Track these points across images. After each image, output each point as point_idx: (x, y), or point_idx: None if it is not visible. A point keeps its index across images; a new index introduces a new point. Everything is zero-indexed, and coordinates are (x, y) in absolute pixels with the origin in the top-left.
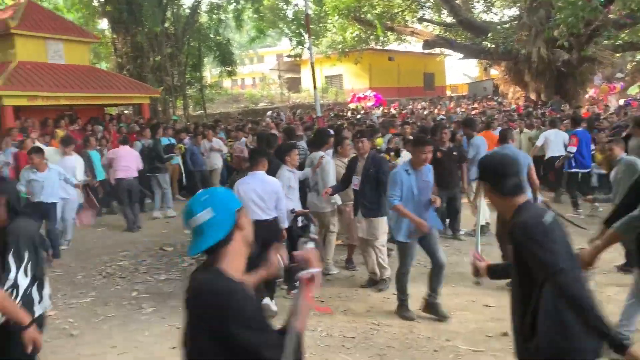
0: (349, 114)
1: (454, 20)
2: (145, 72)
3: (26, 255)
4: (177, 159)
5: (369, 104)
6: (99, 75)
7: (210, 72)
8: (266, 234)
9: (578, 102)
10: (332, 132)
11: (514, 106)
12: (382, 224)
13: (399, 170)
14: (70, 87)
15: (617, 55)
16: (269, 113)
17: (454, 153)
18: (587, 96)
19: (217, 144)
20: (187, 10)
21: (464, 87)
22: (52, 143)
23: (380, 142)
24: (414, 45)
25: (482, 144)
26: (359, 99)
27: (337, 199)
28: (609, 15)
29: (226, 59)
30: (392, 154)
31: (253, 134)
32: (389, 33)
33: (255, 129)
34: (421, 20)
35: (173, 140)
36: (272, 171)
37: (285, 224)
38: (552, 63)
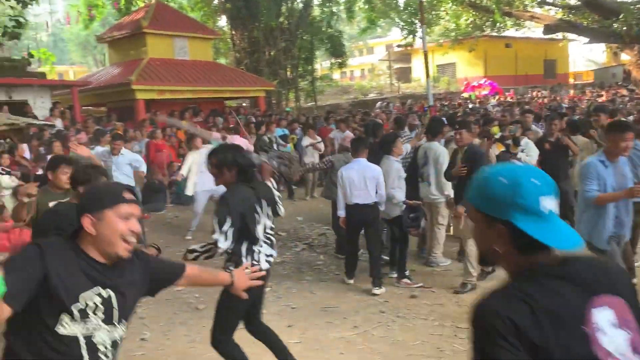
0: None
1: (579, 2)
2: (261, 66)
3: (228, 220)
4: (289, 149)
5: (484, 92)
6: (220, 70)
7: (321, 64)
8: (364, 217)
9: None
10: (445, 121)
11: None
12: None
13: (593, 161)
14: (194, 82)
15: None
16: (378, 104)
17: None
18: None
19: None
20: (301, 5)
21: (589, 74)
22: (178, 134)
23: (495, 130)
24: (533, 30)
25: None
26: (473, 87)
27: (449, 190)
28: None
29: (337, 51)
30: (511, 143)
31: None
32: (506, 18)
33: (365, 119)
34: (542, 3)
35: (287, 131)
36: (376, 160)
37: (382, 208)
38: None
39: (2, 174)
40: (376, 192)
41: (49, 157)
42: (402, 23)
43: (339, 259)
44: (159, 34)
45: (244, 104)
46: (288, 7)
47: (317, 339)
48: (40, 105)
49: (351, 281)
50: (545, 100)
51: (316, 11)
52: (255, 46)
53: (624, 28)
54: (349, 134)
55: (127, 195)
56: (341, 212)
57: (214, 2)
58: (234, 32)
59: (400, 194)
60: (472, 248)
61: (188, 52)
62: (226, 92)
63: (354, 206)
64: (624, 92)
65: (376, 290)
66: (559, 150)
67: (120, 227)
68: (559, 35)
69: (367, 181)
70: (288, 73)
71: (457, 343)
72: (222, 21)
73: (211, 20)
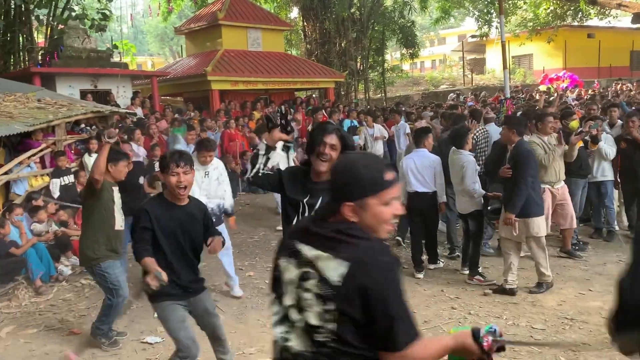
0: (537, 96)
1: None
2: (331, 57)
3: None
4: (357, 139)
5: (563, 85)
6: (291, 61)
7: (392, 55)
8: (423, 204)
9: None
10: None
11: None
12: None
13: None
14: (267, 73)
15: None
16: (450, 95)
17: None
18: None
19: (379, 131)
20: None
21: None
22: (250, 124)
23: (574, 125)
24: (619, 19)
25: None
26: (551, 80)
27: None
28: None
29: (409, 42)
30: (589, 139)
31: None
32: (590, 7)
33: (437, 111)
34: None
35: (356, 123)
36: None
37: (442, 199)
38: None
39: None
40: (435, 182)
41: (132, 143)
42: (477, 13)
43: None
44: (233, 26)
45: (314, 95)
46: None
47: None
48: (122, 94)
49: (421, 275)
50: (632, 93)
51: (388, 1)
52: (326, 37)
53: None
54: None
55: (389, 176)
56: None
57: None
58: (305, 23)
59: (480, 188)
60: (537, 250)
61: (261, 43)
62: (297, 82)
63: (413, 194)
64: None
65: (431, 266)
66: (636, 148)
67: (385, 216)
68: None
69: (426, 170)
70: (358, 64)
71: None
72: (294, 12)
73: (284, 12)
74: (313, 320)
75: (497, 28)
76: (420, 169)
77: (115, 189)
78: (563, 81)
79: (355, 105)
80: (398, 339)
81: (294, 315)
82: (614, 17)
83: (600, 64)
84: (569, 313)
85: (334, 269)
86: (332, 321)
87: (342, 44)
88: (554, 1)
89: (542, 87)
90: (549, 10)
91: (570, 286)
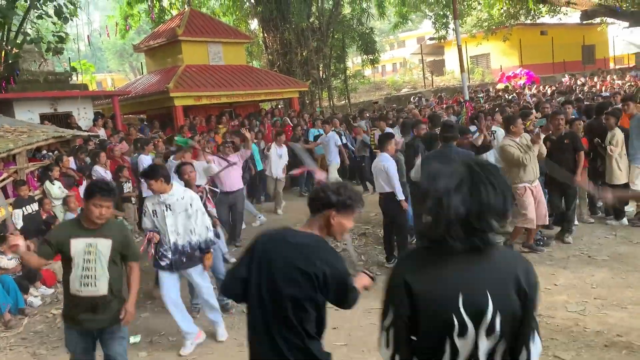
0: (499, 94)
1: None
2: (293, 67)
3: None
4: (322, 150)
5: (520, 82)
6: (254, 73)
7: (353, 61)
8: (386, 204)
9: None
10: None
11: None
12: None
13: None
14: (230, 86)
15: None
16: (412, 98)
17: (566, 141)
18: None
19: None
20: (331, 3)
21: (631, 57)
22: (215, 138)
23: (528, 125)
24: (570, 16)
25: None
26: (509, 77)
27: None
28: None
29: (369, 48)
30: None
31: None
32: (540, 5)
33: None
34: None
35: (321, 131)
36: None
37: (400, 197)
38: None
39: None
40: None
41: (94, 167)
42: (433, 16)
43: (379, 258)
44: (193, 41)
45: (279, 106)
46: (318, 7)
47: (363, 341)
48: (84, 116)
49: (390, 265)
50: (586, 88)
51: (346, 9)
52: (287, 47)
53: None
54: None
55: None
56: None
57: (246, 6)
58: (265, 35)
59: (399, 190)
60: None
61: (222, 57)
62: (261, 94)
63: (380, 194)
64: None
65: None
66: (562, 148)
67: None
68: (597, 19)
69: (381, 173)
70: (320, 72)
71: None
72: (254, 24)
73: (243, 24)
74: None
75: (454, 30)
76: (378, 172)
77: None
78: (520, 78)
79: (320, 113)
80: None
81: None
82: (564, 14)
83: (555, 60)
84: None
85: None
86: None
87: (304, 54)
88: (507, 1)
89: (501, 85)
90: (502, 10)
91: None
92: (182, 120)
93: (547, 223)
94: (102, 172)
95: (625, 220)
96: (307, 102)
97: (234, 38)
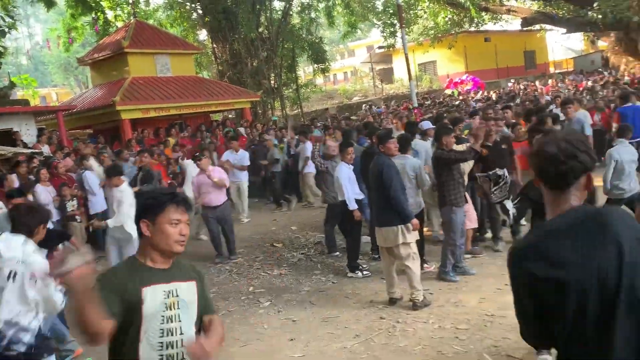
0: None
1: None
2: (244, 78)
3: None
4: (281, 158)
5: (467, 88)
6: (203, 84)
7: (304, 71)
8: (343, 211)
9: None
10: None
11: (627, 79)
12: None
13: None
14: (179, 98)
15: None
16: (364, 106)
17: (503, 146)
18: None
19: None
20: (280, 13)
21: (569, 62)
22: (166, 152)
23: (466, 133)
24: (511, 23)
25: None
26: (456, 84)
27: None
28: None
29: (319, 57)
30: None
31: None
32: (483, 13)
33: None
34: None
35: (275, 141)
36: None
37: (351, 207)
38: None
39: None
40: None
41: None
42: (381, 25)
43: (336, 265)
44: (140, 53)
45: (230, 116)
46: (267, 17)
47: (320, 351)
48: (26, 132)
49: (352, 275)
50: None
51: (295, 19)
52: (237, 58)
53: (599, 16)
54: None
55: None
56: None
57: (193, 17)
58: (214, 46)
59: (348, 194)
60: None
61: (170, 68)
62: (211, 105)
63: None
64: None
65: (349, 274)
66: (499, 153)
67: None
68: (537, 26)
69: (336, 181)
70: (272, 82)
71: (458, 345)
72: (203, 35)
73: (191, 35)
74: None
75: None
76: (335, 180)
77: None
78: (466, 84)
79: (274, 122)
80: None
81: None
82: (506, 22)
83: (498, 65)
84: (490, 310)
85: None
86: None
87: (254, 64)
88: (450, 10)
89: (448, 92)
90: (447, 18)
91: (489, 283)
92: (129, 134)
93: (475, 226)
94: (43, 191)
95: None
96: (260, 112)
97: (182, 49)
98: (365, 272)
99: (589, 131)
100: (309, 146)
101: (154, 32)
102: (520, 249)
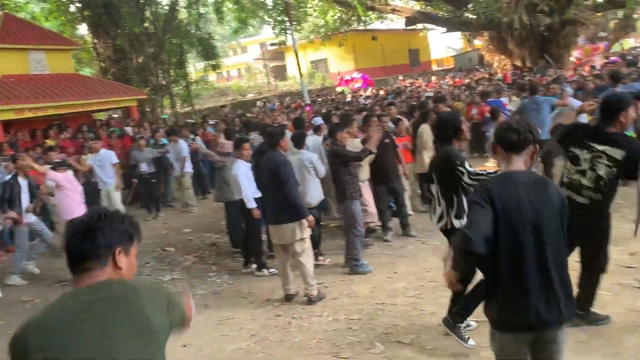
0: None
1: None
2: (129, 75)
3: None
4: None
5: (357, 85)
6: (84, 81)
7: (195, 67)
8: (241, 210)
9: (563, 66)
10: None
11: (500, 75)
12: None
13: None
14: (57, 97)
15: (598, 14)
16: (258, 103)
17: (386, 141)
18: (572, 59)
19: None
20: (166, 8)
21: (449, 60)
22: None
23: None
24: (397, 22)
25: None
26: (346, 81)
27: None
28: None
29: (209, 53)
30: None
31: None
32: (370, 12)
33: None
34: None
35: (165, 140)
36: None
37: (249, 205)
38: (535, 29)
39: None
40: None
41: None
42: (272, 21)
43: (231, 266)
44: (10, 49)
45: (115, 115)
46: (152, 11)
47: (214, 355)
48: None
49: (259, 273)
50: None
51: (183, 14)
52: (120, 54)
53: (474, 17)
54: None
55: None
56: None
57: (71, 10)
58: (96, 41)
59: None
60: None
61: (46, 65)
62: (93, 104)
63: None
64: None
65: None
66: (385, 149)
67: None
68: (420, 25)
69: (233, 180)
70: (160, 79)
71: (351, 335)
72: (83, 29)
73: (69, 30)
74: (602, 173)
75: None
76: (232, 179)
77: None
78: (357, 82)
79: (164, 121)
80: None
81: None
82: (392, 21)
83: (386, 63)
84: (380, 298)
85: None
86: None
87: (139, 60)
88: (338, 8)
89: (339, 89)
90: (336, 17)
91: (379, 272)
92: (1, 137)
93: (375, 220)
94: None
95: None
96: (148, 110)
97: (58, 44)
98: (271, 270)
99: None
100: (183, 145)
101: (26, 26)
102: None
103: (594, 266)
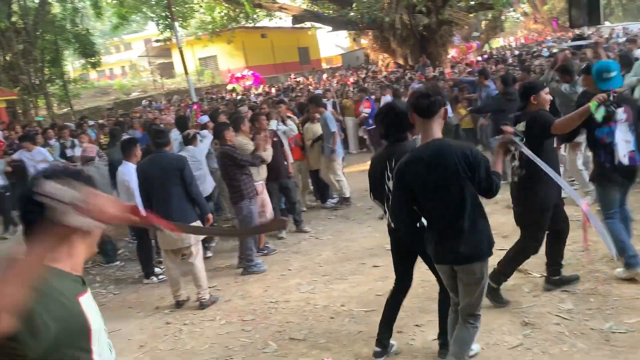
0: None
1: None
2: None
3: None
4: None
5: (248, 83)
6: None
7: (73, 65)
8: None
9: (441, 64)
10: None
11: (385, 73)
12: None
13: None
14: None
15: (471, 15)
16: (143, 102)
17: (274, 139)
18: (449, 57)
19: (40, 154)
20: (36, 2)
21: (338, 58)
22: None
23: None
24: (285, 20)
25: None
26: (237, 79)
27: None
28: None
29: (88, 50)
30: None
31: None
32: (257, 10)
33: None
34: None
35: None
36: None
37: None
38: (414, 28)
39: None
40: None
41: None
42: (156, 17)
43: (117, 275)
44: None
45: None
46: (21, 5)
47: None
48: None
49: (147, 280)
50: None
51: (56, 8)
52: None
53: (358, 16)
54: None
55: None
56: None
57: None
58: None
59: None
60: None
61: None
62: None
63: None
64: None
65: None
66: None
67: None
68: (308, 24)
69: (121, 186)
70: (32, 78)
71: (244, 337)
72: None
73: None
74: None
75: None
76: (120, 185)
77: None
78: (248, 79)
79: (39, 123)
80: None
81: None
82: (280, 19)
83: (276, 61)
84: (274, 296)
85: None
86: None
87: (7, 58)
88: (225, 5)
89: (230, 87)
90: (223, 13)
91: (273, 270)
92: None
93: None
94: None
95: (329, 202)
96: (20, 111)
97: None
98: (160, 277)
99: (333, 127)
100: (40, 153)
101: None
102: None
103: (556, 231)
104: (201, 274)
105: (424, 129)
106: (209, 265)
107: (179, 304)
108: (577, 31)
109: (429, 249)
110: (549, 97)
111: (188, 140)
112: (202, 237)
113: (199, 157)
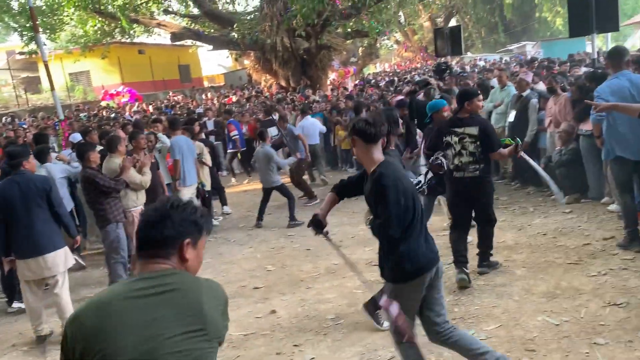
0: (103, 112)
1: (200, 12)
2: None
3: None
4: None
5: (124, 100)
6: None
7: None
8: None
9: (322, 87)
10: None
11: (267, 94)
12: None
13: None
14: None
15: (348, 42)
16: (4, 119)
17: (152, 161)
18: (329, 81)
19: None
20: None
21: (220, 77)
22: None
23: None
24: (165, 37)
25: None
26: (112, 95)
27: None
28: (338, 6)
29: None
30: None
31: None
32: (134, 25)
33: None
34: (167, 12)
35: None
36: None
37: None
38: (295, 51)
39: None
40: None
41: None
42: (19, 28)
43: None
44: None
45: None
46: None
47: None
48: None
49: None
50: (181, 104)
51: None
52: None
53: (239, 37)
54: None
55: None
56: None
57: None
58: None
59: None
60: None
61: None
62: None
63: None
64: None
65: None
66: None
67: None
68: (189, 42)
69: None
70: None
71: None
72: None
73: None
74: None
75: (44, 45)
76: None
77: None
78: (123, 96)
79: None
80: None
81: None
82: (159, 35)
83: (155, 78)
84: None
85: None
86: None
87: None
88: (99, 19)
89: (104, 103)
90: (97, 28)
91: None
92: None
93: None
94: None
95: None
96: None
97: None
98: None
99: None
100: None
101: None
102: None
103: (489, 221)
104: (68, 304)
105: (367, 151)
106: (75, 295)
107: (40, 339)
108: (441, 60)
109: None
110: (481, 104)
111: (41, 157)
112: (70, 265)
113: (55, 174)
